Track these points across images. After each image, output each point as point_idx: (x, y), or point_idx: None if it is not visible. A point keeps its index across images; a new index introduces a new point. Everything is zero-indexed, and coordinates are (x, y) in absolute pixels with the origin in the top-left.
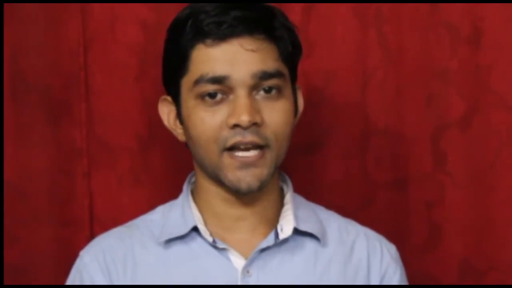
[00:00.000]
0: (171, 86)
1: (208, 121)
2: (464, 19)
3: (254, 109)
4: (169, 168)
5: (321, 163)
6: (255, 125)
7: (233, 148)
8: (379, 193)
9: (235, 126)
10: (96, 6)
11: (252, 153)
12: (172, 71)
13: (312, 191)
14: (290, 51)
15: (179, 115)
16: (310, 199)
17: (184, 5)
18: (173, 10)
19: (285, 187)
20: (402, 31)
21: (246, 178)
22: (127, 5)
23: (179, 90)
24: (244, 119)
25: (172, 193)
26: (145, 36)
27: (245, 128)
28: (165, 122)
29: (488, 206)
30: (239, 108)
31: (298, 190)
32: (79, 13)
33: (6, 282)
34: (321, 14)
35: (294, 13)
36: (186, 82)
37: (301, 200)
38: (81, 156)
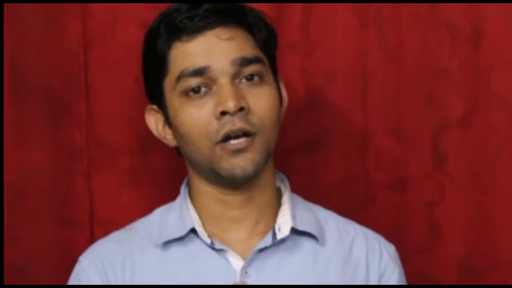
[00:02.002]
0: (155, 92)
1: (197, 116)
2: (464, 19)
3: (239, 94)
4: (169, 168)
5: (321, 163)
6: (242, 111)
7: (224, 140)
8: (379, 193)
9: (223, 114)
10: (96, 6)
11: (242, 139)
12: (153, 77)
13: (312, 191)
14: (265, 37)
15: (167, 119)
16: (310, 199)
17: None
18: None
19: (282, 187)
20: (402, 31)
21: (240, 163)
22: (127, 5)
23: (163, 93)
24: (230, 104)
25: (172, 193)
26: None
27: (233, 114)
28: (154, 131)
29: (488, 206)
30: (224, 96)
31: (298, 190)
32: (79, 13)
33: (6, 282)
34: (321, 14)
35: (294, 13)
36: (168, 83)
37: (299, 199)
38: (81, 156)
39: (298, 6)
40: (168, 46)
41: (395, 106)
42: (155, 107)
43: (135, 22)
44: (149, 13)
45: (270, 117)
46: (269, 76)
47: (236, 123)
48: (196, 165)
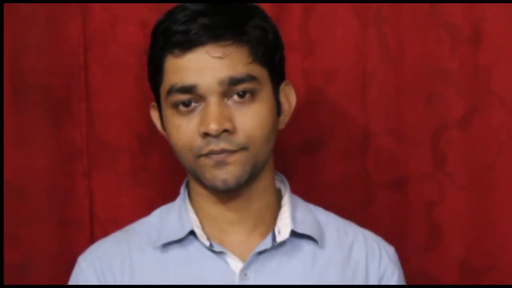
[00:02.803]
0: (155, 94)
1: (183, 130)
2: (464, 19)
3: (224, 116)
4: (169, 168)
5: (321, 163)
6: (226, 132)
7: (207, 155)
8: (379, 193)
9: (206, 134)
10: (96, 6)
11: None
12: (153, 80)
13: (312, 191)
14: (266, 49)
15: (162, 122)
16: (310, 200)
17: None
18: None
19: (282, 188)
20: (402, 31)
21: (221, 176)
22: (127, 5)
23: (160, 98)
24: (213, 127)
25: (172, 193)
26: (145, 36)
27: (215, 136)
28: (158, 127)
29: (488, 206)
30: (208, 117)
31: (298, 190)
32: (79, 13)
33: (6, 282)
34: (321, 14)
35: (294, 13)
36: (162, 92)
37: (299, 201)
38: (81, 156)
39: (298, 6)
40: (163, 56)
41: (395, 106)
42: (156, 105)
43: (135, 22)
44: (149, 13)
45: (259, 135)
46: (264, 91)
47: (219, 144)
48: (187, 170)
